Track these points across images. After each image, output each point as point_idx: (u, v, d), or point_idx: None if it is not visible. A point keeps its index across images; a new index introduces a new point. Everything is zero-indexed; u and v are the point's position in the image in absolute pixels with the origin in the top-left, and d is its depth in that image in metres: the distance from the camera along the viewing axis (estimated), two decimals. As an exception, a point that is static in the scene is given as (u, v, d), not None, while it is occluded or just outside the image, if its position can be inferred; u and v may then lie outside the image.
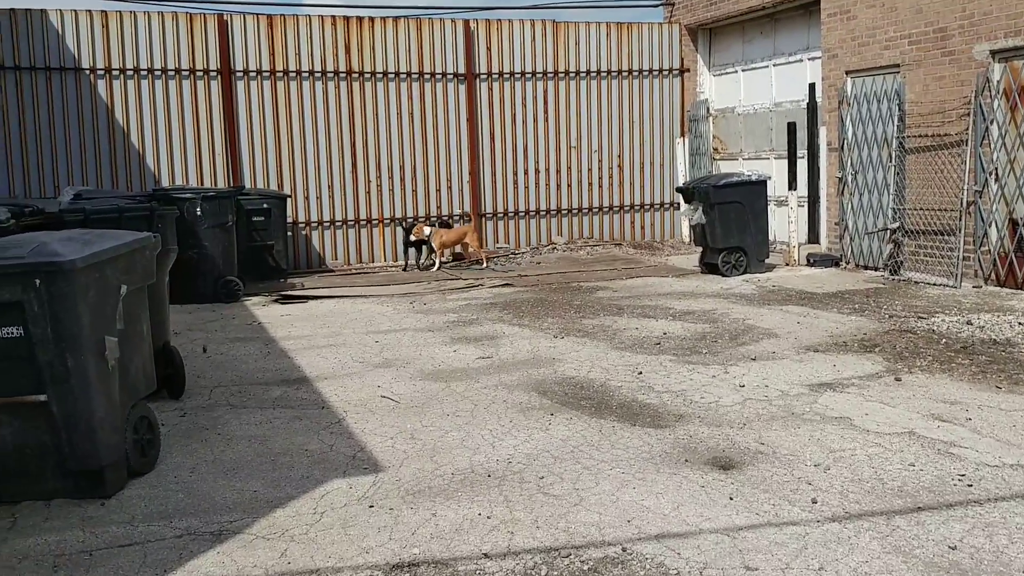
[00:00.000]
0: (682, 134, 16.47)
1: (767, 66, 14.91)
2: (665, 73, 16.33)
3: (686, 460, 5.08)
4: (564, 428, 5.72)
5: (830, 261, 12.70)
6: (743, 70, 15.58)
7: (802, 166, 13.30)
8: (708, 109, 15.91)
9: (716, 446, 5.29)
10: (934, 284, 10.74)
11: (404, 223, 14.54)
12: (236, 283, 11.48)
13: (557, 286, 12.07)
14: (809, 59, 13.83)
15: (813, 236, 13.33)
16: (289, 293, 11.81)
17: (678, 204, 16.44)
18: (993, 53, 10.14)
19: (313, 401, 6.61)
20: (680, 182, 16.35)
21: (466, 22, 15.20)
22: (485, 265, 13.95)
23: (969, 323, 8.31)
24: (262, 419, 6.19)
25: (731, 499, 4.52)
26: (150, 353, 5.40)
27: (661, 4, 16.94)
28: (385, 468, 5.12)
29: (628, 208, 16.36)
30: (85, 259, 4.63)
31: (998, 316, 8.66)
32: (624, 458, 5.14)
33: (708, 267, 12.74)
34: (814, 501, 4.46)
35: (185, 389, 6.87)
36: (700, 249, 14.81)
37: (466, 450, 5.38)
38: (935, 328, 8.26)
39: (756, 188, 12.36)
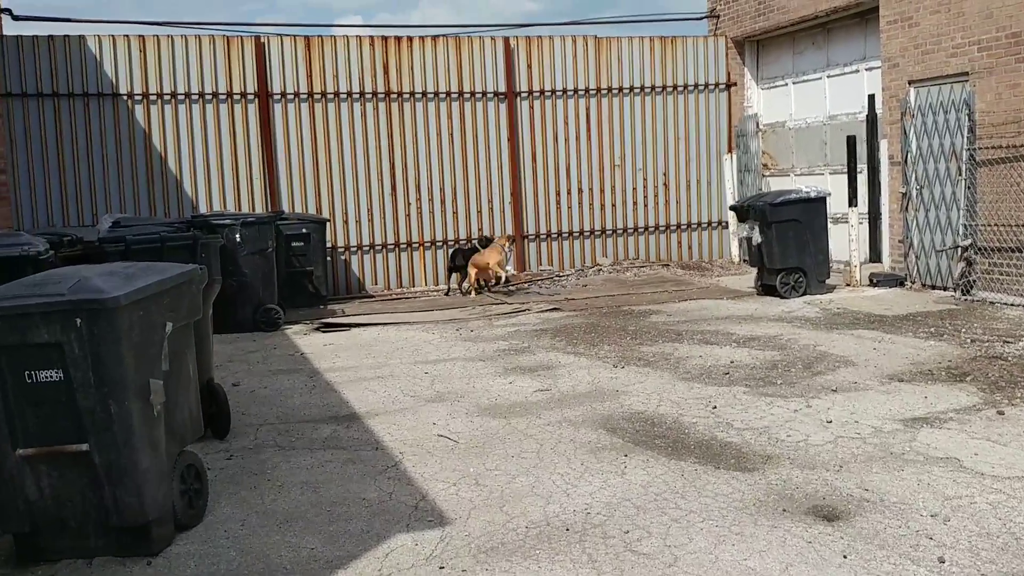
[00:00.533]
0: (729, 150, 15.98)
1: (820, 78, 14.40)
2: (711, 88, 15.86)
3: (784, 510, 4.59)
4: (642, 472, 5.25)
5: (894, 281, 12.13)
6: (794, 83, 15.08)
7: (861, 181, 12.76)
8: (758, 124, 15.42)
9: (814, 492, 4.79)
10: (1012, 305, 10.15)
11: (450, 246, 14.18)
12: (277, 311, 11.12)
13: (607, 310, 11.61)
14: (867, 69, 13.31)
15: (875, 255, 12.77)
16: (331, 321, 11.44)
17: (726, 223, 15.95)
18: (1072, 59, 9.59)
19: (365, 441, 6.18)
20: (728, 200, 15.85)
21: (506, 40, 14.86)
22: (507, 283, 13.32)
23: (1064, 348, 7.74)
24: (313, 462, 5.77)
25: (845, 557, 4.02)
26: (197, 395, 5.00)
27: (706, 17, 16.49)
28: (452, 520, 4.67)
29: (675, 228, 15.87)
30: (129, 295, 4.24)
31: (1091, 339, 8.09)
32: (715, 508, 4.66)
33: (765, 288, 12.21)
34: (941, 560, 3.95)
35: (230, 428, 6.47)
36: (753, 270, 14.28)
37: (538, 498, 4.92)
38: (1026, 354, 7.71)
39: (815, 205, 11.83)
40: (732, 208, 12.70)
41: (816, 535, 4.27)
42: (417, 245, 14.64)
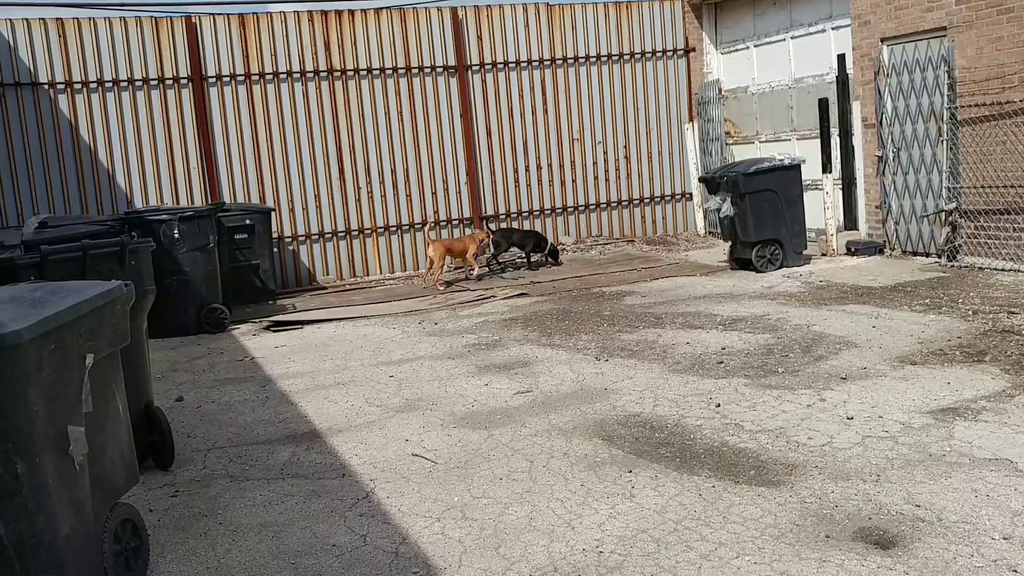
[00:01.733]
0: (690, 119, 15.35)
1: (784, 39, 13.78)
2: (669, 54, 15.19)
3: (827, 536, 3.95)
4: (653, 493, 4.58)
5: (873, 249, 11.61)
6: (755, 46, 14.45)
7: (833, 146, 12.18)
8: (719, 90, 14.78)
9: (858, 511, 4.16)
10: (1003, 270, 9.66)
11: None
12: (222, 311, 10.27)
13: (577, 293, 10.93)
14: (833, 28, 12.71)
15: (850, 222, 12.24)
16: (282, 319, 10.60)
17: (690, 195, 15.36)
18: (1060, 8, 9.06)
19: (330, 466, 5.43)
20: (692, 171, 15.25)
21: (453, 10, 14.01)
22: (476, 272, 12.71)
23: (1078, 318, 7.23)
24: (271, 496, 5.01)
25: (916, 599, 3.39)
26: (130, 435, 4.21)
27: (660, -20, 15.77)
28: (440, 570, 3.96)
29: (638, 202, 15.23)
30: (33, 328, 3.44)
31: (1100, 306, 7.60)
32: (747, 537, 4.00)
33: (739, 262, 11.62)
34: (1031, 598, 3.34)
35: (175, 456, 5.68)
36: (721, 243, 13.74)
37: (538, 534, 4.23)
38: (1038, 326, 7.18)
39: (790, 173, 11.24)
40: (702, 179, 12.07)
41: (874, 570, 3.63)
42: (369, 231, 13.81)
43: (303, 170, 13.34)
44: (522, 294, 11.19)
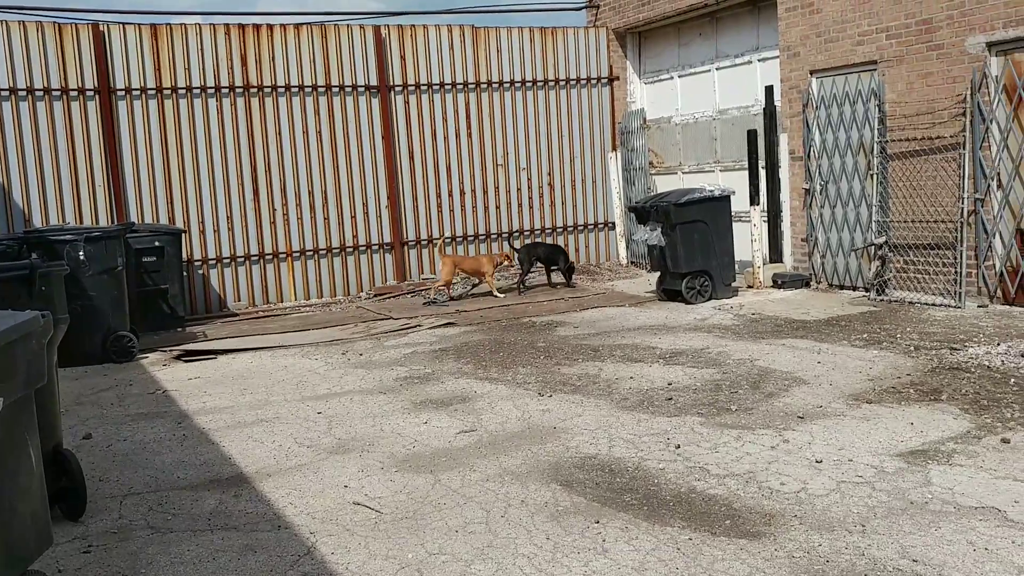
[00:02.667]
0: (614, 148, 15.23)
1: (708, 70, 13.78)
2: (593, 82, 15.06)
3: (825, 595, 3.65)
4: (627, 547, 4.22)
5: (800, 281, 11.59)
6: (680, 76, 14.43)
7: (760, 178, 12.17)
8: (644, 120, 14.69)
9: (851, 567, 3.87)
10: (933, 305, 9.70)
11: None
12: (130, 339, 9.56)
13: (506, 323, 10.58)
14: (760, 60, 12.75)
15: (775, 255, 12.21)
16: (194, 348, 9.94)
17: (613, 224, 15.21)
18: (990, 45, 9.17)
19: (263, 516, 4.91)
20: (615, 200, 15.12)
21: (376, 28, 13.60)
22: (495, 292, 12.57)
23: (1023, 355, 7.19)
24: (200, 552, 4.46)
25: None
26: (43, 488, 3.64)
27: (584, 7, 15.69)
28: (405, 641, 3.51)
29: (561, 230, 15.00)
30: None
31: (1037, 343, 7.60)
32: (739, 598, 3.67)
33: (668, 293, 11.46)
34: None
35: (86, 504, 5.07)
36: (643, 272, 13.64)
37: (509, 596, 3.82)
38: (985, 363, 7.11)
39: (720, 205, 11.15)
40: (631, 209, 11.88)
41: (885, 635, 3.34)
42: (284, 256, 13.20)
43: (216, 190, 12.68)
44: (449, 323, 10.77)
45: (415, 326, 10.77)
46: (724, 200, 11.14)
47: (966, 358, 7.34)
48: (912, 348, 7.86)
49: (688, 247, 10.96)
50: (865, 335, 8.54)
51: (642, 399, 6.76)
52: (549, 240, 14.75)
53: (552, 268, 13.16)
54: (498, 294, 12.41)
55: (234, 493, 5.28)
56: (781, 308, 10.38)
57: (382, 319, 11.39)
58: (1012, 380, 6.57)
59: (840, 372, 7.17)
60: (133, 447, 6.35)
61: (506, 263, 12.66)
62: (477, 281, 13.10)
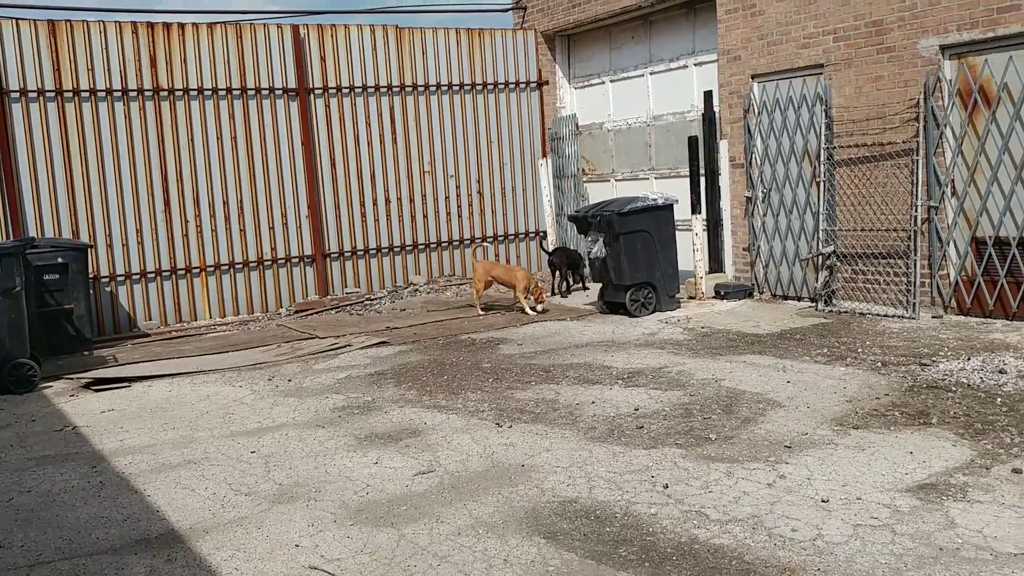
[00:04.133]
0: (544, 155, 14.74)
1: (642, 75, 13.40)
2: (522, 86, 14.55)
3: (882, 675, 3.15)
4: (638, 616, 3.65)
5: (743, 292, 11.26)
6: (612, 81, 14.03)
7: (687, 185, 11.79)
8: (576, 126, 14.23)
9: (901, 636, 3.39)
10: (886, 316, 9.44)
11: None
12: (31, 367, 8.61)
13: (444, 340, 9.95)
14: (696, 64, 12.41)
15: (716, 264, 11.86)
16: (104, 375, 9.02)
17: (545, 233, 14.70)
18: (943, 48, 8.95)
19: (202, 587, 4.20)
20: (546, 209, 14.62)
21: (294, 28, 12.81)
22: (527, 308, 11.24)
23: (1002, 371, 6.90)
24: (127, 640, 3.73)
25: None
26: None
27: (511, 8, 15.17)
28: None
29: (491, 239, 14.42)
30: None
31: (1007, 356, 7.34)
32: None
33: (610, 306, 11.01)
34: None
35: (-20, 581, 4.27)
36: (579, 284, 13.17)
37: None
38: (963, 381, 6.80)
39: (664, 214, 10.74)
40: (571, 218, 11.38)
41: None
42: (198, 270, 12.30)
43: (124, 201, 11.71)
44: (382, 343, 10.08)
45: (344, 346, 10.04)
46: (668, 209, 10.73)
47: (940, 375, 7.02)
48: (879, 364, 7.52)
49: (632, 258, 10.52)
50: (825, 350, 8.19)
51: (611, 428, 6.22)
52: (468, 252, 14.17)
53: (581, 275, 13.01)
54: (530, 311, 11.11)
55: (167, 556, 4.54)
56: (730, 321, 10.01)
57: (307, 338, 10.63)
58: (998, 400, 6.25)
59: (814, 393, 6.77)
60: (40, 500, 5.52)
61: (536, 291, 11.16)
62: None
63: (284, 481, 5.57)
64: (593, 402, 6.93)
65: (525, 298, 11.19)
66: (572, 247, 13.60)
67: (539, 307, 11.09)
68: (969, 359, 7.38)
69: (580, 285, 12.98)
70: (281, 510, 5.08)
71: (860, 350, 8.06)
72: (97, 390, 8.53)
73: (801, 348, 8.36)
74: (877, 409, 6.25)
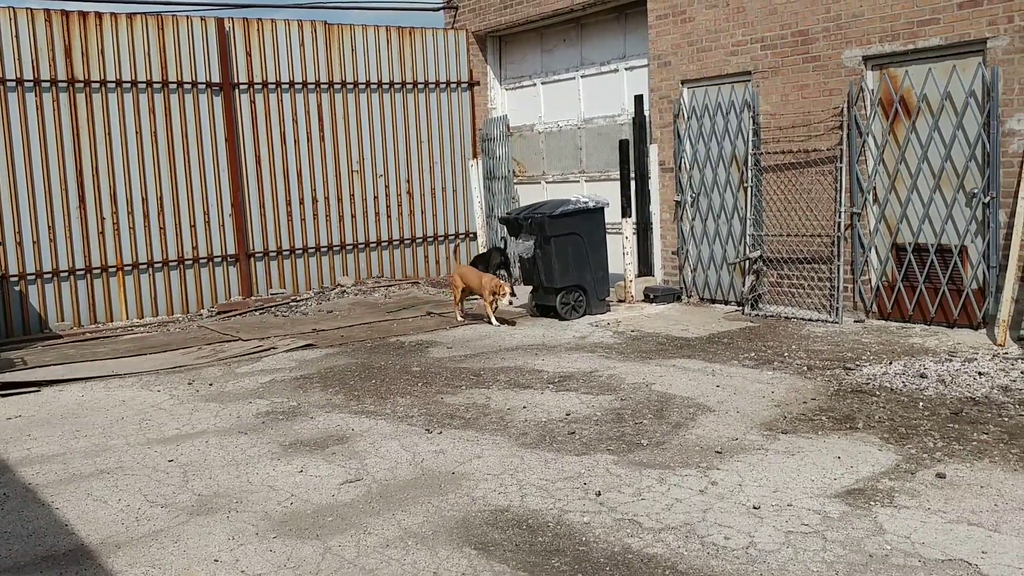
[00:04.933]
0: (474, 156, 14.63)
1: (573, 78, 13.39)
2: (453, 86, 14.41)
3: None
4: (572, 630, 3.57)
5: (671, 295, 11.31)
6: (543, 83, 13.99)
7: (617, 188, 11.81)
8: (507, 127, 14.15)
9: (835, 646, 3.36)
10: (809, 320, 9.56)
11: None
12: (-70, 371, 8.18)
13: (372, 344, 9.77)
14: (627, 69, 12.44)
15: (645, 268, 11.90)
16: (11, 379, 8.62)
17: (475, 234, 14.60)
18: (866, 59, 9.09)
19: (114, 605, 3.98)
20: (476, 210, 14.50)
21: (219, 20, 12.48)
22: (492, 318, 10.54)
23: (923, 376, 7.01)
24: (32, 665, 3.51)
25: None
26: None
27: (442, 8, 15.02)
28: None
29: (421, 241, 14.27)
30: None
31: (926, 360, 7.47)
32: None
33: (541, 309, 10.95)
34: None
35: None
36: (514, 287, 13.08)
37: None
38: (886, 385, 6.89)
39: (595, 217, 10.71)
40: (503, 220, 11.28)
41: None
42: (115, 270, 11.88)
43: (35, 197, 11.24)
44: (308, 345, 9.85)
45: (269, 348, 9.78)
46: (599, 212, 10.71)
47: (864, 379, 7.11)
48: (805, 368, 7.59)
49: (563, 261, 10.47)
50: (753, 354, 8.25)
51: (542, 434, 6.14)
52: (397, 253, 14.00)
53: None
54: (495, 321, 10.45)
55: (75, 574, 4.30)
56: (659, 324, 10.03)
57: (230, 340, 10.34)
58: (920, 404, 6.34)
59: (743, 397, 6.79)
60: (-62, 513, 5.20)
61: (501, 292, 10.31)
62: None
63: (203, 491, 5.35)
64: (524, 407, 6.85)
65: (490, 303, 10.44)
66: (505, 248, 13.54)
67: (504, 301, 10.32)
68: (891, 363, 7.50)
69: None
70: (200, 522, 4.87)
71: (786, 354, 8.14)
72: (3, 395, 8.13)
73: (729, 352, 8.40)
74: (805, 414, 6.28)
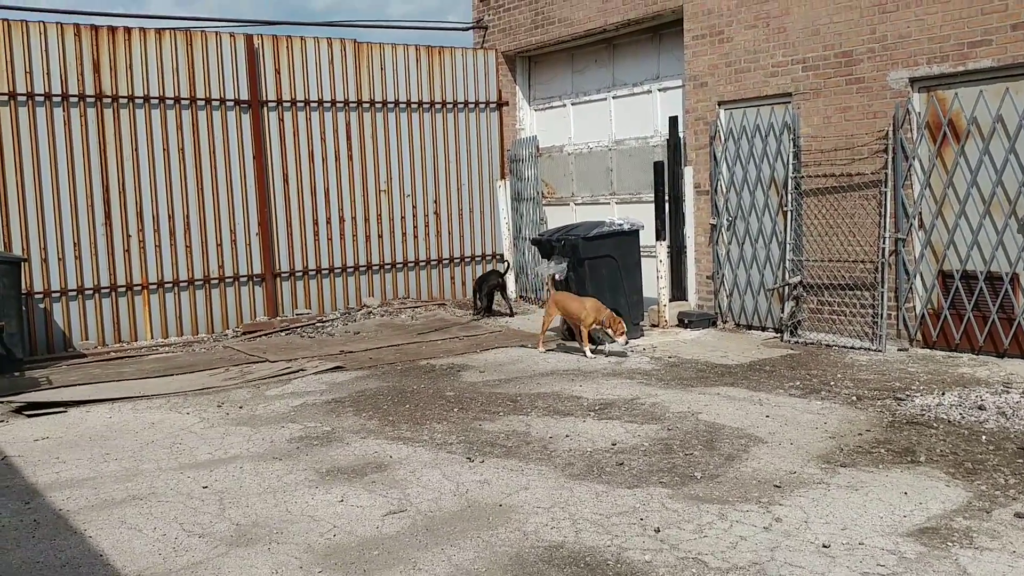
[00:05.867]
0: (502, 176, 14.47)
1: (604, 99, 13.22)
2: (482, 106, 14.27)
3: None
4: None
5: (706, 321, 11.07)
6: (573, 104, 13.83)
7: (652, 209, 11.59)
8: (537, 148, 13.97)
9: None
10: (851, 348, 9.31)
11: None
12: (-45, 390, 8.01)
13: (402, 366, 9.56)
14: (660, 90, 12.26)
15: (679, 292, 11.67)
16: (38, 399, 8.45)
17: (501, 256, 14.41)
18: (913, 81, 8.89)
19: (155, 644, 3.76)
20: (504, 231, 14.33)
21: (248, 37, 12.38)
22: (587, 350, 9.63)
23: (981, 407, 6.75)
24: None
25: None
26: None
27: (471, 27, 14.91)
28: None
29: (447, 262, 14.08)
30: None
31: (981, 391, 7.21)
32: None
33: (571, 333, 10.71)
34: None
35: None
36: (534, 308, 13.02)
37: None
38: (943, 417, 6.63)
39: (630, 239, 10.52)
40: (534, 242, 11.09)
41: None
42: (140, 288, 11.73)
43: (61, 213, 11.12)
44: (337, 367, 9.65)
45: (298, 370, 9.59)
46: (634, 235, 10.52)
47: (919, 410, 6.85)
48: (855, 398, 7.34)
49: (596, 284, 10.26)
50: (798, 382, 8.00)
51: (589, 464, 5.91)
52: (423, 274, 13.84)
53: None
54: (589, 354, 9.56)
55: (111, 609, 4.09)
56: (696, 350, 9.79)
57: (257, 362, 10.16)
58: (983, 438, 6.08)
59: (794, 428, 6.54)
60: (-33, 540, 5.01)
61: (618, 329, 9.24)
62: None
63: (241, 521, 5.14)
64: (567, 435, 6.62)
65: (587, 335, 9.57)
66: (528, 271, 13.40)
67: (621, 340, 9.25)
68: (944, 394, 7.24)
69: (508, 310, 12.77)
70: (240, 554, 4.65)
71: (832, 383, 7.89)
72: (30, 415, 7.96)
73: (773, 380, 8.15)
74: (862, 446, 6.03)
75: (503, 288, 12.74)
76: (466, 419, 7.23)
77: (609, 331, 9.36)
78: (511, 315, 12.59)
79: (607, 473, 5.71)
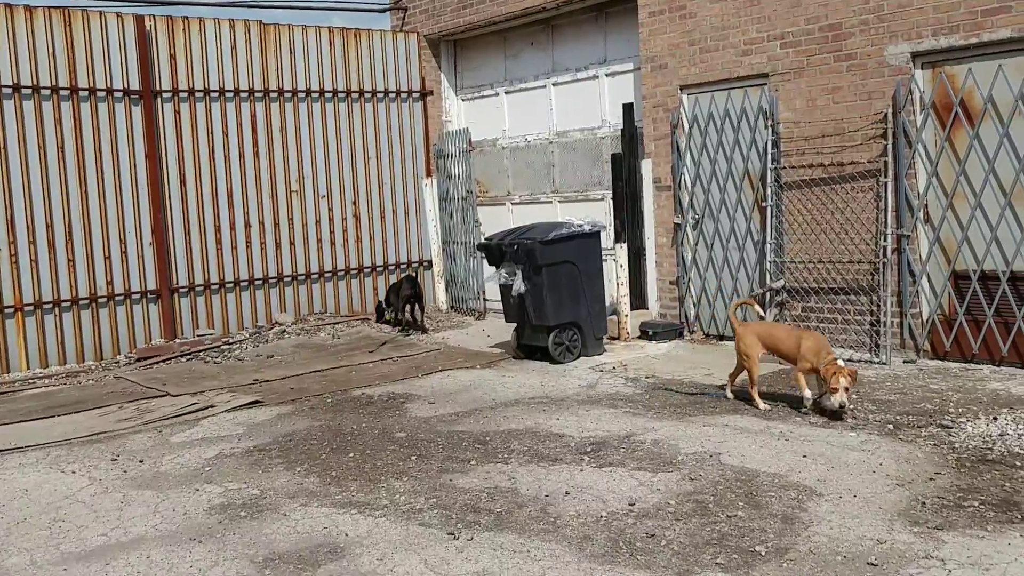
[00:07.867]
0: (428, 174, 13.03)
1: (544, 86, 11.93)
2: (404, 96, 12.81)
3: None
4: None
5: (673, 332, 9.89)
6: (507, 92, 12.50)
7: (607, 209, 10.38)
8: (469, 142, 12.57)
9: None
10: (849, 360, 8.20)
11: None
12: None
13: (333, 399, 8.07)
14: (608, 75, 11.04)
15: (637, 299, 10.46)
16: None
17: (429, 262, 12.98)
18: (915, 56, 7.86)
19: None
20: (431, 234, 12.90)
21: (139, 18, 10.64)
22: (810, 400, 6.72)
23: (1057, 439, 5.69)
24: None
25: None
26: None
27: (388, 9, 13.42)
28: None
29: (369, 271, 12.56)
30: None
31: (1036, 415, 6.19)
32: None
33: (526, 350, 9.41)
34: None
35: None
36: (470, 320, 11.75)
37: None
38: (1019, 451, 5.54)
39: (591, 242, 9.26)
40: (481, 247, 9.70)
41: None
42: (12, 310, 9.90)
43: (-92, 223, 9.22)
44: (254, 402, 8.09)
45: (207, 407, 7.99)
46: (595, 237, 9.26)
47: (980, 441, 5.76)
48: (891, 426, 6.22)
49: (556, 294, 8.96)
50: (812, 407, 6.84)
51: (612, 538, 4.57)
52: (343, 285, 12.31)
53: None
54: (762, 405, 6.85)
55: None
56: (673, 368, 8.58)
57: (156, 396, 8.52)
58: (1084, 480, 5.00)
59: (846, 472, 5.34)
60: None
61: (852, 381, 6.34)
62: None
63: (154, 655, 3.63)
64: (567, 492, 5.28)
65: (806, 380, 6.64)
66: (460, 280, 11.98)
67: (840, 397, 6.31)
68: (995, 419, 6.18)
69: (420, 327, 11.26)
70: None
71: (852, 406, 6.75)
72: None
73: (779, 404, 6.98)
74: (945, 497, 4.87)
75: (419, 299, 11.22)
76: (430, 471, 5.81)
77: (837, 384, 6.33)
78: (423, 331, 11.08)
79: (640, 552, 4.39)
